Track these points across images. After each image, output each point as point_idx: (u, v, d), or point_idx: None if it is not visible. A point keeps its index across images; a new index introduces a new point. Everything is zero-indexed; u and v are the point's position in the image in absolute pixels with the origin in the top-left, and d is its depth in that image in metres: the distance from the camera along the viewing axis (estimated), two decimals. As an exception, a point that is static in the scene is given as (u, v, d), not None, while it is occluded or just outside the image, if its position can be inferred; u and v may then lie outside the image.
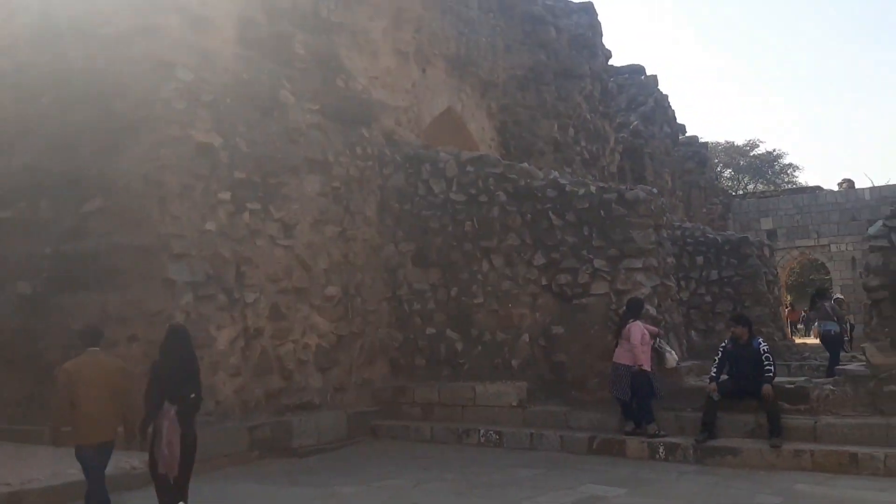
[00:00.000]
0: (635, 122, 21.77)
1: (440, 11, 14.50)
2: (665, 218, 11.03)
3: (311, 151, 10.98)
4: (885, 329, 8.37)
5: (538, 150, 16.39)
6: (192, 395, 6.34)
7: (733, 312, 10.34)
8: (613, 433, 9.52)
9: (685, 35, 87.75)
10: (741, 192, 38.54)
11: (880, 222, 8.63)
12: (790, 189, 33.52)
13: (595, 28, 18.85)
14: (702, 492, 7.51)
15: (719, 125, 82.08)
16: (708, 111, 77.54)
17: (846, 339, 12.38)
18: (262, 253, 10.20)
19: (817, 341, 24.03)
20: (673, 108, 23.74)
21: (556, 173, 11.36)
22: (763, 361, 8.82)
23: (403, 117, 13.45)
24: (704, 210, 25.64)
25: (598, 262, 10.24)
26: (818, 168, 73.98)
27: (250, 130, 10.24)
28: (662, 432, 9.16)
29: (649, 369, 9.36)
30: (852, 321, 13.39)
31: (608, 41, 20.07)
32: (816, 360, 14.49)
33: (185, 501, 6.34)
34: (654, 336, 9.64)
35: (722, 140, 45.65)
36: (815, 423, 8.41)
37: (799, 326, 30.97)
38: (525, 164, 11.74)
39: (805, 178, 46.29)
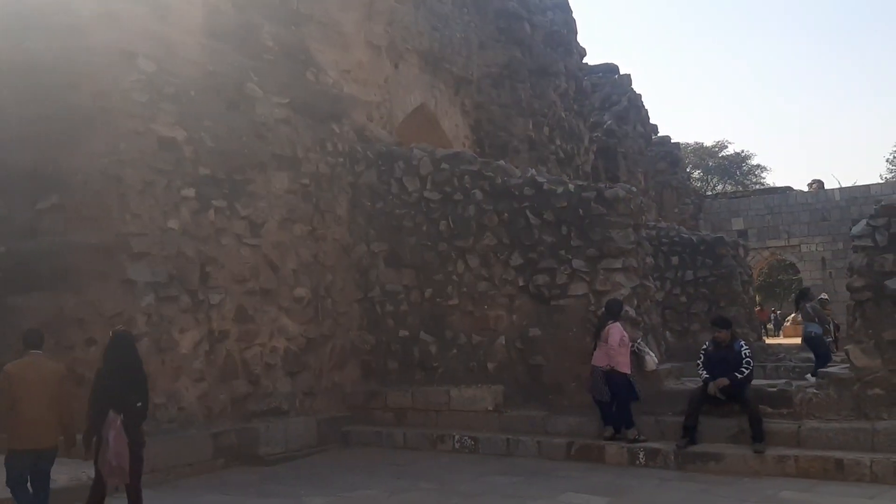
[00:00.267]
0: (609, 122, 21.60)
1: (413, 5, 14.17)
2: (644, 217, 10.81)
3: (280, 147, 10.58)
4: (868, 331, 8.19)
5: (513, 149, 16.13)
6: (139, 404, 6.15)
7: (714, 315, 10.13)
8: (592, 439, 9.26)
9: (653, 35, 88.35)
10: (710, 193, 38.72)
11: (864, 222, 8.46)
12: (761, 189, 33.73)
13: (570, 25, 18.66)
14: (686, 500, 7.28)
15: (687, 126, 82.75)
16: (676, 112, 78.12)
17: (829, 340, 12.23)
18: (228, 252, 9.79)
19: (788, 341, 24.27)
20: (646, 107, 23.62)
21: (533, 171, 11.07)
22: (742, 364, 8.63)
23: (376, 113, 13.09)
24: (676, 210, 25.60)
25: (576, 263, 9.97)
26: (785, 169, 74.90)
27: (216, 124, 9.84)
28: (642, 437, 8.92)
29: (628, 371, 9.13)
30: (836, 322, 13.26)
31: (581, 39, 19.83)
32: (791, 361, 14.42)
33: None
34: (633, 340, 9.41)
35: (691, 141, 45.89)
36: (799, 427, 8.22)
37: (768, 326, 31.18)
38: (502, 162, 11.44)
39: (772, 179, 46.72)
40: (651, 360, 9.48)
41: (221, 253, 9.70)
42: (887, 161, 44.73)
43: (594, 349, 9.33)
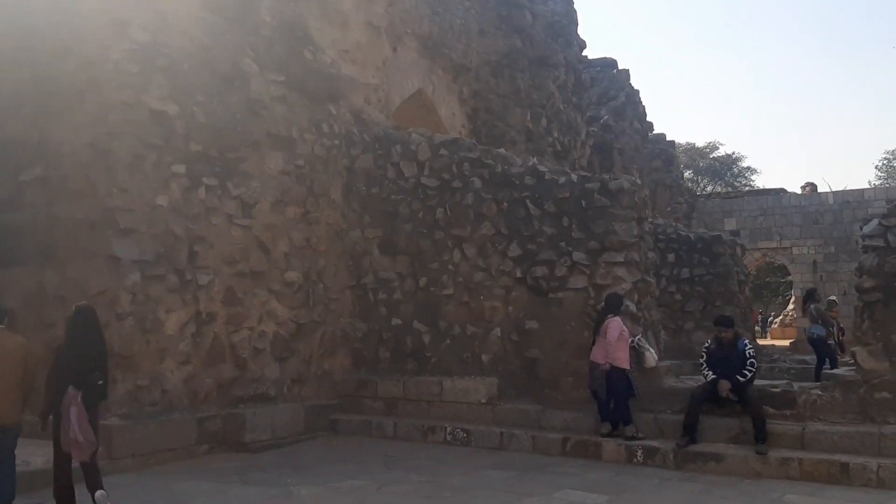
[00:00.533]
0: (606, 117, 21.32)
1: (414, -14, 13.84)
2: (647, 211, 10.56)
3: (275, 126, 10.24)
4: (877, 333, 7.98)
5: (510, 139, 15.82)
6: (100, 382, 5.99)
7: (717, 314, 9.87)
8: (588, 434, 9.03)
9: (646, 33, 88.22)
10: (701, 194, 38.60)
11: (876, 221, 8.24)
12: (754, 190, 33.61)
13: (571, 16, 18.35)
14: (688, 501, 7.05)
15: (680, 126, 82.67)
16: (669, 111, 78.05)
17: (831, 342, 12.04)
18: (218, 232, 9.47)
19: (776, 342, 24.16)
20: (644, 104, 23.38)
21: (534, 160, 10.80)
22: (746, 364, 8.42)
23: (373, 96, 12.76)
24: (669, 209, 25.39)
25: (577, 255, 9.70)
26: (775, 172, 75.04)
27: (209, 100, 9.51)
28: (641, 435, 8.70)
29: (626, 367, 8.90)
30: (841, 325, 13.07)
31: (582, 31, 19.53)
32: (786, 362, 14.29)
33: (103, 488, 5.97)
34: (633, 335, 9.18)
35: (683, 141, 45.73)
36: (804, 429, 8.00)
37: (756, 328, 31.14)
38: (502, 150, 11.16)
39: (762, 181, 46.68)
40: (651, 356, 9.24)
41: (211, 233, 9.38)
42: (876, 168, 44.88)
43: (593, 344, 9.10)
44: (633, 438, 8.64)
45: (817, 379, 10.96)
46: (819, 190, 27.58)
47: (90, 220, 8.45)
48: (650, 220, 15.69)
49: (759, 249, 25.92)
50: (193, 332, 9.10)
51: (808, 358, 13.86)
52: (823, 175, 73.83)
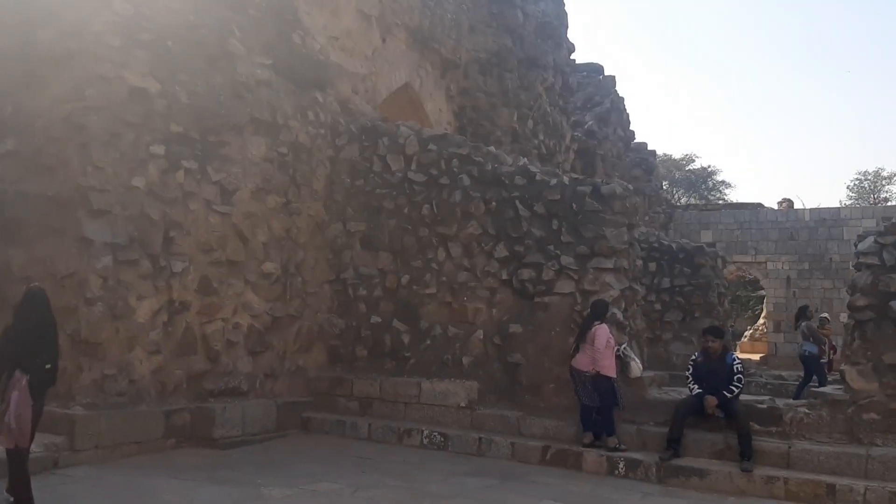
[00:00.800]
0: (590, 122, 21.17)
1: (407, -23, 13.53)
2: (637, 217, 10.37)
3: (259, 110, 9.88)
4: (867, 352, 7.85)
5: (496, 139, 15.54)
6: (48, 366, 5.75)
7: (707, 324, 9.73)
8: (568, 444, 8.81)
9: (627, 41, 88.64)
10: (679, 205, 38.74)
11: (871, 238, 8.11)
12: (732, 204, 33.72)
13: (561, 18, 18.15)
14: (673, 517, 6.85)
15: (657, 136, 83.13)
16: (647, 121, 78.43)
17: (822, 360, 11.97)
18: (196, 218, 9.10)
19: (747, 356, 24.21)
20: (628, 111, 23.28)
21: (525, 160, 10.56)
22: (734, 379, 8.27)
23: (360, 86, 12.43)
24: (647, 218, 25.33)
25: (565, 259, 9.47)
26: (748, 187, 75.72)
27: (192, 80, 9.14)
28: (623, 446, 8.49)
29: (613, 375, 8.70)
30: (832, 343, 13.01)
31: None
32: (762, 377, 14.26)
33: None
34: (618, 344, 8.98)
35: (660, 152, 45.92)
36: (790, 448, 7.84)
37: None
38: (492, 148, 10.90)
39: (736, 195, 46.92)
40: (636, 366, 9.04)
41: (188, 218, 9.00)
42: (847, 188, 45.45)
43: (574, 351, 8.88)
44: (615, 450, 8.44)
45: (798, 396, 10.87)
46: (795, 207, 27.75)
47: (61, 198, 8.06)
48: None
49: (734, 263, 25.95)
50: (165, 321, 8.73)
51: (784, 374, 13.86)
52: (797, 193, 74.71)
